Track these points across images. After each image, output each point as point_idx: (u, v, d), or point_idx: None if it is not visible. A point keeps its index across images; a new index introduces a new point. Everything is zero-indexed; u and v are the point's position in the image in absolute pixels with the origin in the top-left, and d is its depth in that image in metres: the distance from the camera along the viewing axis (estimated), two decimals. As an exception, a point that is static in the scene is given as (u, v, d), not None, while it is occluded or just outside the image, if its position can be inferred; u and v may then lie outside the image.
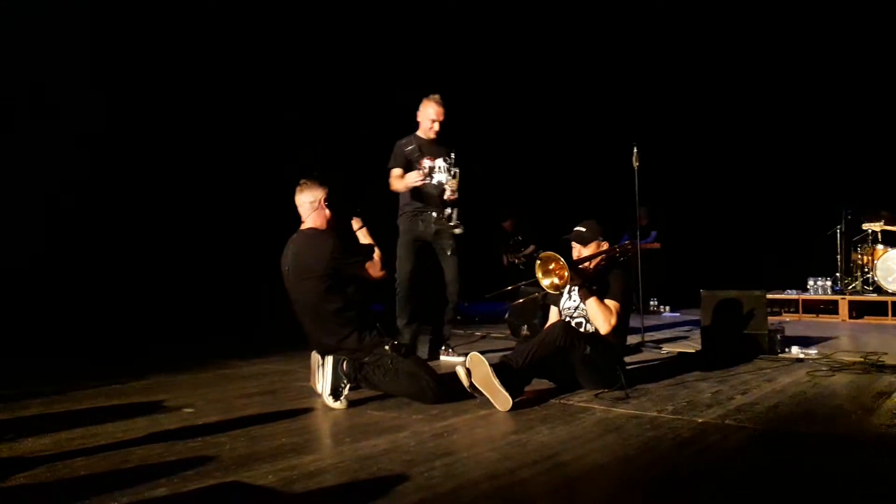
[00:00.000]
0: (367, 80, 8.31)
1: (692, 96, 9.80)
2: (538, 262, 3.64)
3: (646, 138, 5.92)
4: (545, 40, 9.71)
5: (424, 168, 4.77)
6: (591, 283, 3.66)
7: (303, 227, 3.60)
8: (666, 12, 9.46)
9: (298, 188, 3.60)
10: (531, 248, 8.51)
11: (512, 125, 9.90)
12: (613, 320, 3.61)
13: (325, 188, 3.59)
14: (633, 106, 9.64)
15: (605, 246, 3.86)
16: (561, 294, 3.87)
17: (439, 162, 4.85)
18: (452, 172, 4.82)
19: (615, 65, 9.80)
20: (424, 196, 4.82)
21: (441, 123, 4.83)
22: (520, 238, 8.91)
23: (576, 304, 3.83)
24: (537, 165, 10.25)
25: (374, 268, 3.58)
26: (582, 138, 10.02)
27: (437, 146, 4.86)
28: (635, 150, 5.70)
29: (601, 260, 3.83)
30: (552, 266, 3.62)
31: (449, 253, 4.83)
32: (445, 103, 4.85)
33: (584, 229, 3.87)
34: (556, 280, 3.60)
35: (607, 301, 3.64)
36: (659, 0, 9.40)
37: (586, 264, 3.77)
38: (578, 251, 3.86)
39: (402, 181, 4.71)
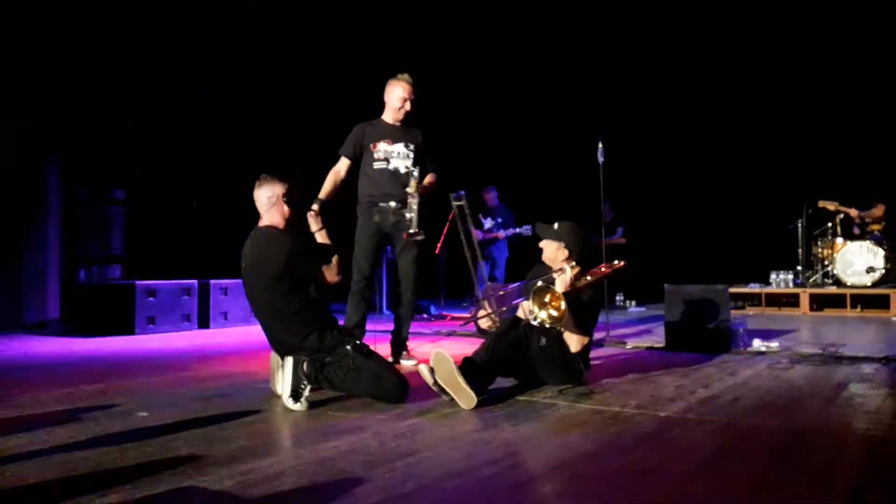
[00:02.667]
0: (333, 71, 8.23)
1: (655, 92, 9.89)
2: (533, 294, 3.44)
3: (610, 133, 5.92)
4: (511, 32, 9.72)
5: (378, 152, 4.38)
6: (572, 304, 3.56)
7: (260, 223, 3.52)
8: (628, 6, 9.52)
9: (258, 183, 3.51)
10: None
11: (475, 121, 9.90)
12: (585, 340, 3.62)
13: (284, 184, 3.50)
14: (596, 101, 9.70)
15: (564, 253, 3.76)
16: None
17: (399, 147, 4.41)
18: (412, 172, 4.31)
19: (579, 59, 9.84)
20: (379, 184, 4.40)
21: (412, 103, 4.42)
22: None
23: None
24: (500, 159, 10.24)
25: (331, 272, 3.46)
26: (546, 133, 10.05)
27: (401, 131, 4.45)
28: (600, 144, 5.70)
29: (589, 283, 3.69)
30: (547, 298, 3.46)
31: (406, 246, 4.45)
32: (416, 84, 4.42)
33: (556, 227, 3.78)
34: (553, 312, 3.43)
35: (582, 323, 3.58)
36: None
37: (578, 284, 3.64)
38: (546, 245, 3.81)
39: (328, 184, 4.39)
